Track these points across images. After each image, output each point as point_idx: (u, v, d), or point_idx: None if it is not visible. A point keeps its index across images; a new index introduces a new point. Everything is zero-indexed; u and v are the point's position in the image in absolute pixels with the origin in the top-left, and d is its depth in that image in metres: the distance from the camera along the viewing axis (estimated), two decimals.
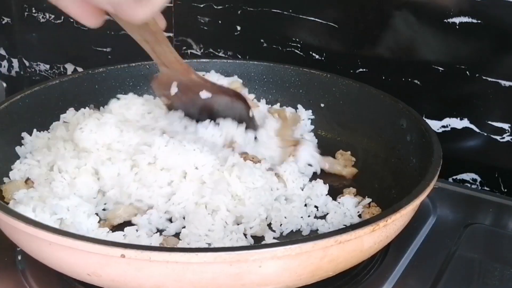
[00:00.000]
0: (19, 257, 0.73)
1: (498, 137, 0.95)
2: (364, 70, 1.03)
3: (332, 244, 0.59)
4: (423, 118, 0.85)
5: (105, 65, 1.01)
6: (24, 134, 0.88)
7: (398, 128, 0.86)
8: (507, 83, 0.92)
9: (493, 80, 0.92)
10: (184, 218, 0.75)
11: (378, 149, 0.90)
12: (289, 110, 0.99)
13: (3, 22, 1.41)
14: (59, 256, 0.62)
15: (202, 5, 1.15)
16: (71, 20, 1.30)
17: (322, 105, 0.99)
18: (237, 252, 0.57)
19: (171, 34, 1.20)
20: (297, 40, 1.08)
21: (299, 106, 1.00)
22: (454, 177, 1.00)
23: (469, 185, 0.99)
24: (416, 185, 0.69)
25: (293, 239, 0.68)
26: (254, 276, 0.59)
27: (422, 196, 0.67)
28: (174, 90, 0.84)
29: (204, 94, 0.84)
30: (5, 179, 0.82)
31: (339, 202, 0.80)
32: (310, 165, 0.87)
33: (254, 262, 0.57)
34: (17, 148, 0.86)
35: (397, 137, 0.86)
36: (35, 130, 0.89)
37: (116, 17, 0.63)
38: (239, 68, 1.04)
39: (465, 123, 0.97)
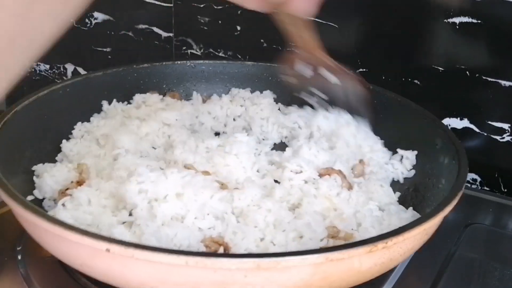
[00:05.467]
0: (19, 257, 0.73)
1: (498, 137, 0.95)
2: (364, 70, 1.03)
3: (323, 261, 0.56)
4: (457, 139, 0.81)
5: (105, 65, 1.01)
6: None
7: (433, 148, 0.82)
8: (507, 83, 0.92)
9: (493, 80, 0.92)
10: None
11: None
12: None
13: None
14: (55, 244, 0.63)
15: (202, 5, 1.15)
16: (71, 20, 1.29)
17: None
18: (219, 259, 0.55)
19: (171, 34, 1.20)
20: None
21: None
22: None
23: (469, 185, 0.99)
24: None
25: (282, 252, 0.65)
26: (239, 286, 0.57)
27: (433, 221, 0.64)
28: (309, 72, 0.85)
29: (333, 79, 0.86)
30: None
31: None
32: None
33: (238, 271, 0.55)
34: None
35: (431, 157, 0.82)
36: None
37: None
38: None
39: (465, 123, 0.97)
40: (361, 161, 0.85)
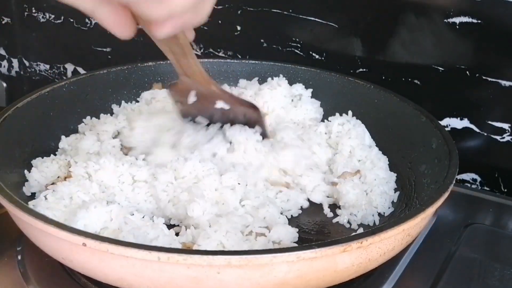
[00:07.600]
0: (19, 257, 0.73)
1: (498, 137, 0.95)
2: (364, 70, 1.03)
3: (294, 260, 0.57)
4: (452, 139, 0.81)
5: (105, 65, 1.02)
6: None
7: (429, 148, 0.83)
8: (507, 83, 0.92)
9: (493, 80, 0.92)
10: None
11: (407, 166, 0.87)
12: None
13: (3, 22, 1.41)
14: (39, 238, 0.64)
15: None
16: (71, 20, 1.30)
17: (363, 115, 0.96)
18: (190, 255, 0.55)
19: None
20: (297, 40, 1.08)
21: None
22: None
23: (469, 185, 0.99)
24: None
25: (253, 250, 0.66)
26: (213, 282, 0.57)
27: (412, 222, 0.63)
28: (192, 99, 0.83)
29: (221, 104, 0.84)
30: None
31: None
32: None
33: (210, 267, 0.56)
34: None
35: (426, 157, 0.83)
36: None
37: (144, 28, 0.64)
38: (286, 72, 1.02)
39: (465, 123, 0.97)
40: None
